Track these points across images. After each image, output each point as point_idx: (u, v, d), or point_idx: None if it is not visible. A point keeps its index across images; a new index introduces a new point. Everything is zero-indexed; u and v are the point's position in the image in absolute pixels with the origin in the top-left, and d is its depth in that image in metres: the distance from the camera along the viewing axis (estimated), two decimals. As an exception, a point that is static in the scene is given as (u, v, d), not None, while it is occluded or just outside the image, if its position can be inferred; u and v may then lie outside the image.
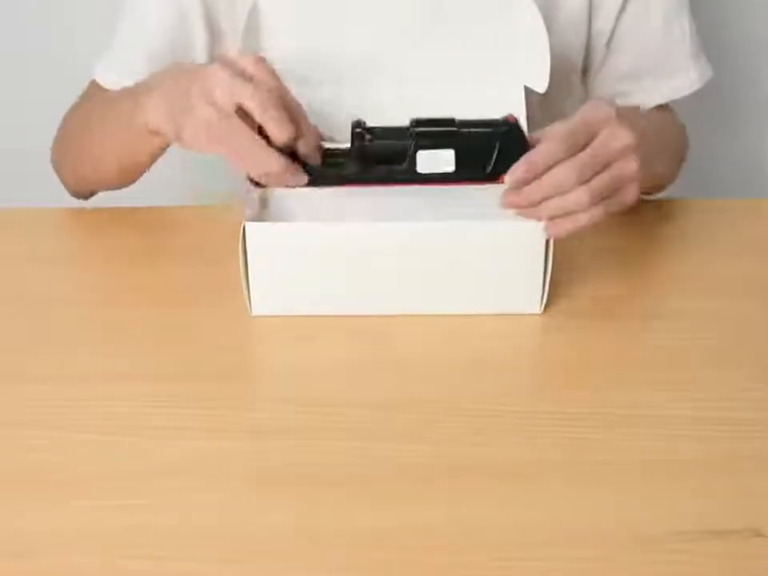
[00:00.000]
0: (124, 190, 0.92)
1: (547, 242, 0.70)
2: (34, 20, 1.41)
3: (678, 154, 0.98)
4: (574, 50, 0.91)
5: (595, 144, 0.68)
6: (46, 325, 0.73)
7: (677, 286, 0.79)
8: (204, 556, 0.53)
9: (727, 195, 0.94)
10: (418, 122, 0.68)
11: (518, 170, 0.67)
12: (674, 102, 0.96)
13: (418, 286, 0.70)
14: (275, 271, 0.72)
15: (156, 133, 0.75)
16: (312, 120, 0.76)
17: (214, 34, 0.92)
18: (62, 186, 0.94)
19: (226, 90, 0.67)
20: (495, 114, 0.79)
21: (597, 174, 0.68)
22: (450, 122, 0.68)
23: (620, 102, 0.95)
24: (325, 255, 0.72)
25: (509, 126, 0.68)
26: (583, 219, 0.68)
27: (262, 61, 0.70)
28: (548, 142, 0.67)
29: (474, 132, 0.69)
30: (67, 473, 0.59)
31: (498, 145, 0.67)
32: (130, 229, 0.88)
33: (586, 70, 0.96)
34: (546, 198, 0.68)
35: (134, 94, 0.78)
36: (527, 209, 0.69)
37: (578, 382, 0.67)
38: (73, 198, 0.93)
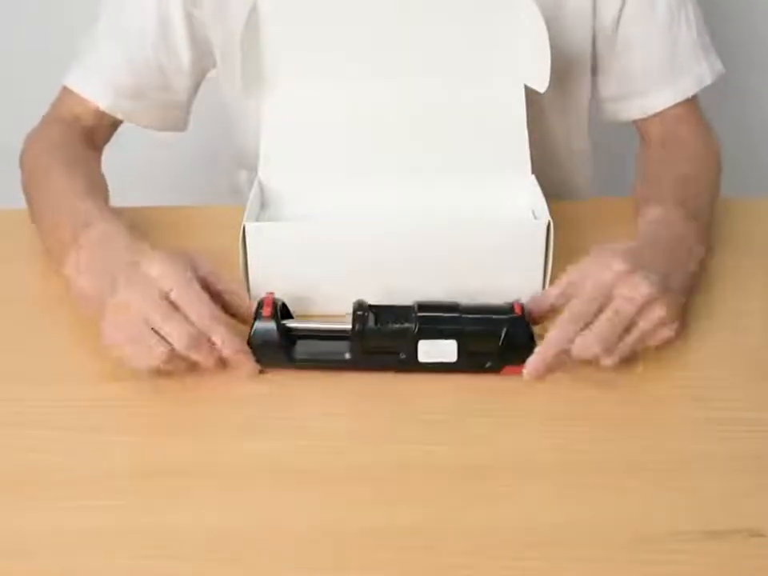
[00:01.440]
0: (124, 190, 0.92)
1: (547, 239, 0.70)
2: (34, 20, 1.41)
3: (712, 173, 0.92)
4: (581, 49, 0.91)
5: (613, 309, 0.64)
6: (46, 325, 0.73)
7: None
8: (204, 555, 0.53)
9: (729, 195, 0.94)
10: (421, 307, 0.66)
11: (535, 366, 0.65)
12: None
13: (418, 284, 0.70)
14: (275, 270, 0.72)
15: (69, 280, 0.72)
16: (312, 120, 0.76)
17: (197, 40, 0.92)
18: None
19: (143, 308, 0.64)
20: (496, 113, 0.79)
21: (620, 338, 0.65)
22: (453, 307, 0.66)
23: (626, 102, 0.95)
24: (324, 254, 0.72)
25: (514, 316, 0.66)
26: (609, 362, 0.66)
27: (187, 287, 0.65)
28: (559, 329, 0.65)
29: (478, 319, 0.66)
30: (67, 473, 0.59)
31: (502, 334, 0.66)
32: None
33: (595, 67, 0.95)
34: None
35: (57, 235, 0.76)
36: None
37: (578, 382, 0.67)
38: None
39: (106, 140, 0.96)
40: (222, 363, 0.66)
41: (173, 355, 0.64)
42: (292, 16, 0.80)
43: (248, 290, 0.73)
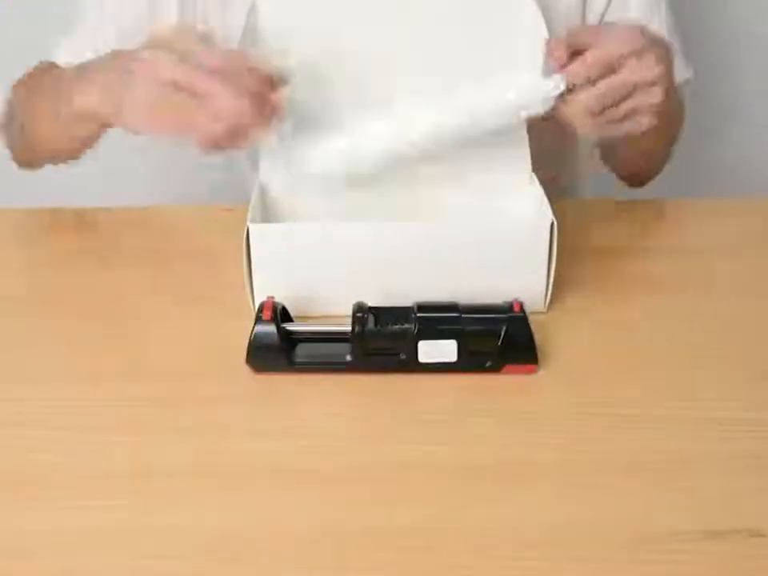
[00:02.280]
0: (124, 190, 0.92)
1: (551, 239, 0.70)
2: (34, 20, 1.41)
3: (676, 126, 0.97)
4: None
5: (622, 71, 0.69)
6: (46, 325, 0.73)
7: (677, 285, 0.79)
8: (204, 556, 0.53)
9: (728, 195, 0.94)
10: (420, 307, 0.66)
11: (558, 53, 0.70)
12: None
13: (421, 285, 0.70)
14: (278, 270, 0.72)
15: (91, 117, 0.74)
16: (313, 120, 0.76)
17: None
18: (57, 184, 0.94)
19: (169, 67, 0.67)
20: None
21: (615, 104, 0.70)
22: (452, 307, 0.67)
23: None
24: (328, 255, 0.72)
25: (514, 315, 0.66)
26: (591, 125, 0.72)
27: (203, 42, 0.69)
28: (581, 64, 0.69)
29: (478, 318, 0.66)
30: (67, 473, 0.59)
31: (502, 333, 0.66)
32: (129, 229, 0.88)
33: None
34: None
35: (63, 82, 0.78)
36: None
37: (579, 382, 0.67)
38: (78, 200, 0.92)
39: None
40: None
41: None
42: (291, 16, 0.80)
43: (251, 290, 0.73)
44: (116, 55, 0.74)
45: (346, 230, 0.72)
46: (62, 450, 0.61)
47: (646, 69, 0.70)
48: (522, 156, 0.79)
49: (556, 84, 0.71)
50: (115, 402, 0.65)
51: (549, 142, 0.95)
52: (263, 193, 0.79)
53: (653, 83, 0.70)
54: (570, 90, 0.70)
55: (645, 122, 0.72)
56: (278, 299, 0.68)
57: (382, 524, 0.55)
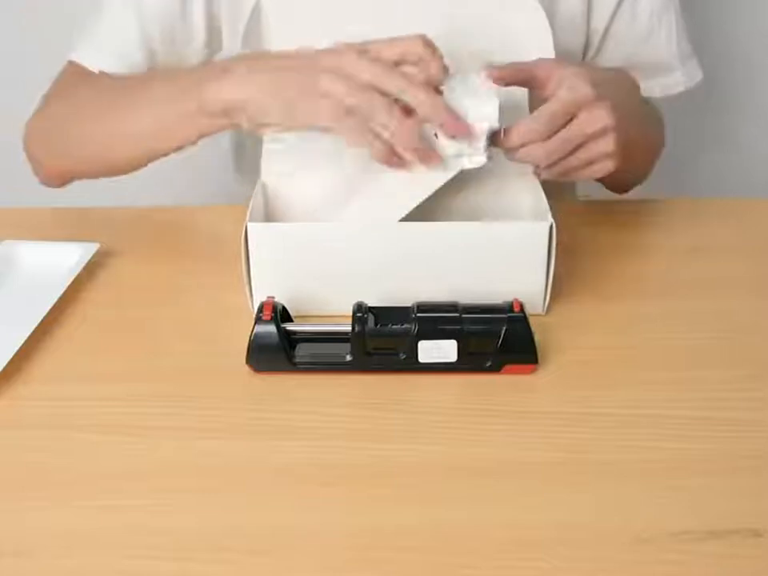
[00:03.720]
0: (124, 190, 0.92)
1: (550, 241, 0.70)
2: (35, 20, 1.41)
3: (658, 123, 0.98)
4: (571, 51, 0.92)
5: (571, 127, 0.70)
6: (45, 325, 0.73)
7: (677, 285, 0.79)
8: (203, 556, 0.53)
9: (728, 195, 0.94)
10: (420, 307, 0.66)
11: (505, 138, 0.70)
12: (669, 102, 0.97)
13: (420, 286, 0.70)
14: (277, 270, 0.72)
15: (225, 114, 0.71)
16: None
17: (213, 28, 0.91)
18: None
19: (357, 67, 0.67)
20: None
21: (565, 157, 0.71)
22: (452, 307, 0.67)
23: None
24: (327, 254, 0.72)
25: (514, 315, 0.66)
26: (543, 172, 0.73)
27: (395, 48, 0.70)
28: (530, 121, 0.70)
29: (478, 318, 0.66)
30: (67, 473, 0.59)
31: (502, 333, 0.66)
32: (129, 229, 0.88)
33: None
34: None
35: (182, 78, 0.76)
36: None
37: (579, 382, 0.67)
38: (78, 200, 0.92)
39: None
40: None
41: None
42: (295, 13, 0.80)
43: (250, 289, 0.73)
44: (260, 55, 0.73)
45: (346, 230, 0.72)
46: (62, 450, 0.61)
47: (598, 120, 0.70)
48: None
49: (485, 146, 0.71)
50: (115, 402, 0.65)
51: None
52: (263, 192, 0.79)
53: (604, 132, 0.71)
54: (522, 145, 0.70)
55: (600, 168, 0.73)
56: (278, 299, 0.68)
57: (382, 524, 0.55)
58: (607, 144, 0.71)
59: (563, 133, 0.70)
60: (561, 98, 0.70)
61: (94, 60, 0.89)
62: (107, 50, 0.89)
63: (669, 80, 0.95)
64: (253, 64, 0.71)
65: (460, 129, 0.69)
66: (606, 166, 0.73)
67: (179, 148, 0.78)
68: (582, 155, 0.71)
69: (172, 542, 0.54)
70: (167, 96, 0.76)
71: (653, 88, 0.95)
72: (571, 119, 0.70)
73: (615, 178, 0.77)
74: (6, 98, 1.40)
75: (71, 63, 0.91)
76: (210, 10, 0.89)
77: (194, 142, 0.77)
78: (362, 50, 0.68)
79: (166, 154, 0.80)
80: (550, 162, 0.71)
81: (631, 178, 0.97)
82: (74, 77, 0.90)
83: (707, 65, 0.97)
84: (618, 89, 0.78)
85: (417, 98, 0.67)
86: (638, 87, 0.92)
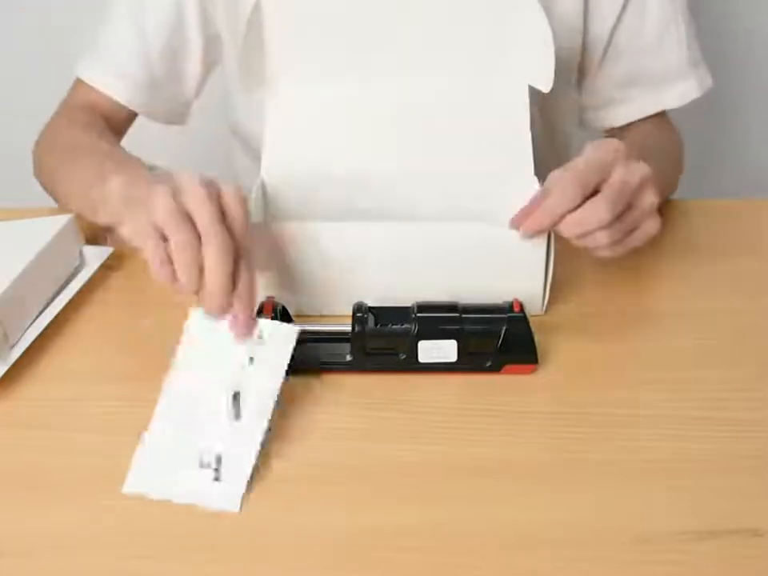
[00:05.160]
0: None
1: (548, 243, 0.70)
2: (34, 20, 1.41)
3: (678, 164, 0.97)
4: (568, 51, 0.91)
5: (614, 182, 0.65)
6: (47, 325, 0.73)
7: (677, 286, 0.79)
8: (203, 556, 0.53)
9: (727, 195, 0.94)
10: (420, 307, 0.66)
11: (533, 224, 0.66)
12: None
13: (419, 286, 0.70)
14: (275, 269, 0.72)
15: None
16: (315, 119, 0.76)
17: (209, 36, 0.93)
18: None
19: (168, 222, 0.60)
20: (500, 113, 0.79)
21: (621, 214, 0.66)
22: (452, 307, 0.67)
23: (613, 109, 0.96)
24: (327, 254, 0.72)
25: (514, 315, 0.66)
26: (604, 253, 0.69)
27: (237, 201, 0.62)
28: (561, 189, 0.65)
29: (478, 318, 0.66)
30: (67, 473, 0.59)
31: (502, 333, 0.66)
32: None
33: (582, 74, 0.96)
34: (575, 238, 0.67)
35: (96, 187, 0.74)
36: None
37: (578, 382, 0.67)
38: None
39: (124, 131, 0.96)
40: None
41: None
42: (295, 14, 0.80)
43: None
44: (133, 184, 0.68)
45: (346, 230, 0.72)
46: (61, 450, 0.61)
47: (636, 172, 0.67)
48: (524, 159, 0.79)
49: None
50: (115, 402, 0.65)
51: (545, 148, 0.95)
52: (263, 189, 0.79)
53: (650, 212, 0.68)
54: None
55: (652, 230, 0.69)
56: (277, 299, 0.68)
57: (382, 524, 0.55)
58: (650, 197, 0.67)
59: (608, 189, 0.65)
60: (588, 156, 0.67)
61: (99, 79, 0.92)
62: (111, 69, 0.92)
63: (683, 87, 0.93)
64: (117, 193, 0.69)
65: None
66: (654, 225, 0.69)
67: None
68: (635, 214, 0.67)
69: (172, 542, 0.54)
70: (85, 195, 0.77)
71: (668, 99, 0.94)
72: (604, 179, 0.66)
73: None
74: (12, 99, 1.40)
75: (79, 82, 0.94)
76: (204, 22, 0.92)
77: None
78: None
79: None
80: (608, 220, 0.65)
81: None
82: (73, 105, 0.93)
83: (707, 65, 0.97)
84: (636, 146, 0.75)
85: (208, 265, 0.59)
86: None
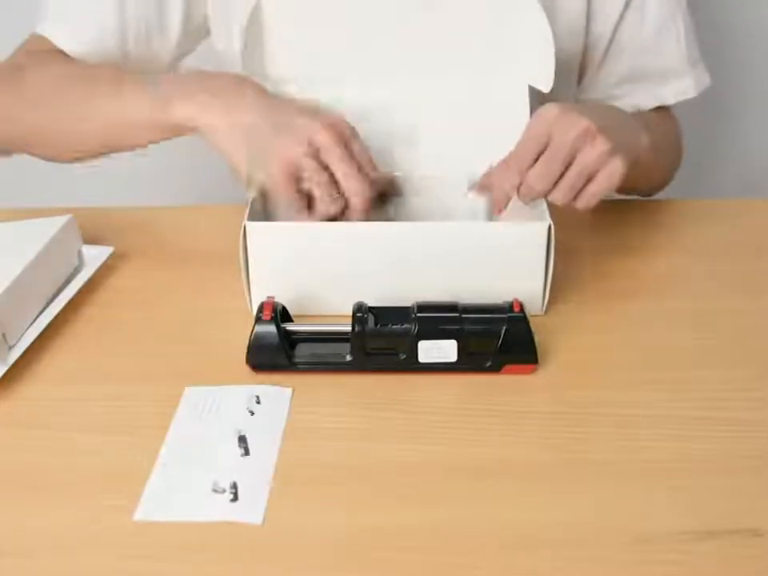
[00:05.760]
0: (124, 191, 0.92)
1: (548, 243, 0.70)
2: (32, 18, 1.41)
3: (675, 147, 0.98)
4: (571, 53, 0.91)
5: (552, 143, 0.69)
6: (47, 325, 0.73)
7: (676, 285, 0.79)
8: (203, 556, 0.53)
9: (727, 195, 0.94)
10: (420, 307, 0.66)
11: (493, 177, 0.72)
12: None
13: (420, 286, 0.70)
14: (275, 269, 0.72)
15: (188, 131, 0.75)
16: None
17: (190, 30, 0.91)
18: (57, 185, 0.93)
19: (326, 139, 0.70)
20: (500, 113, 0.79)
21: (563, 172, 0.70)
22: (452, 307, 0.67)
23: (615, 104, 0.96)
24: (327, 254, 0.72)
25: (514, 315, 0.66)
26: (579, 204, 0.72)
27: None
28: (505, 161, 0.72)
29: (478, 318, 0.66)
30: (67, 473, 0.59)
31: (502, 333, 0.66)
32: (129, 229, 0.88)
33: (582, 72, 0.96)
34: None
35: (150, 89, 0.76)
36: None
37: (578, 382, 0.67)
38: (78, 200, 0.91)
39: None
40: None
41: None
42: (295, 14, 0.80)
43: (248, 288, 0.73)
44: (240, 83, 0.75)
45: (346, 230, 0.72)
46: (61, 450, 0.61)
47: (576, 124, 0.70)
48: None
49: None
50: (115, 402, 0.65)
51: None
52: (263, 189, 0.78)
53: (592, 137, 0.70)
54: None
55: (610, 179, 0.71)
56: (278, 299, 0.68)
57: (382, 524, 0.55)
58: (595, 148, 0.69)
59: (547, 151, 0.70)
60: (527, 129, 0.72)
61: (65, 42, 0.87)
62: (82, 34, 0.87)
63: (681, 85, 0.94)
64: (230, 97, 0.74)
65: None
66: (611, 173, 0.70)
67: (131, 149, 0.81)
68: (577, 168, 0.70)
69: (172, 541, 0.54)
70: (135, 103, 0.77)
71: (666, 96, 0.95)
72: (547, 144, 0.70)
73: (637, 182, 0.77)
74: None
75: (33, 36, 0.89)
76: (189, 12, 0.89)
77: (144, 147, 0.80)
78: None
79: (115, 152, 0.82)
80: (552, 178, 0.70)
81: (653, 182, 0.97)
82: (41, 53, 0.88)
83: (707, 64, 0.97)
84: (605, 111, 0.79)
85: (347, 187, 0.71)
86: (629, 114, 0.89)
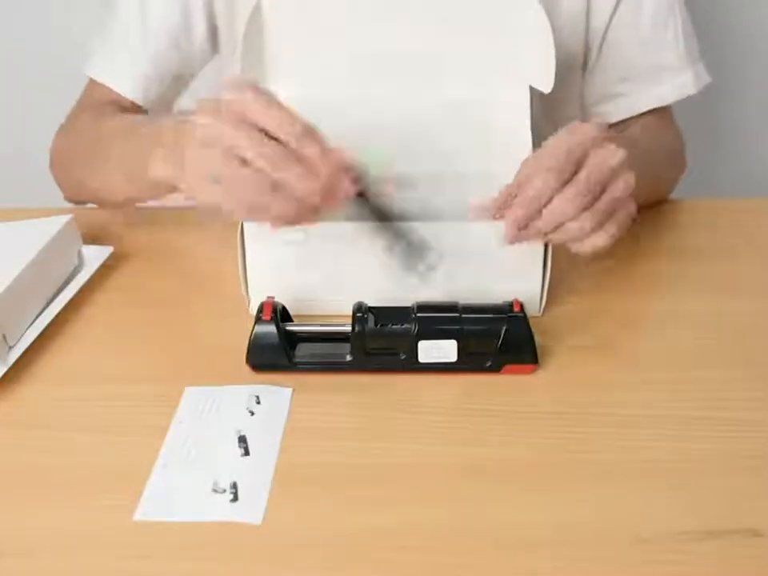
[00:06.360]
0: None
1: (546, 244, 0.70)
2: (35, 23, 1.41)
3: (677, 162, 0.97)
4: (572, 50, 0.91)
5: (589, 167, 0.64)
6: (47, 325, 0.73)
7: (676, 286, 0.79)
8: (203, 556, 0.53)
9: (727, 195, 0.94)
10: (420, 307, 0.66)
11: (516, 212, 0.65)
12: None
13: (420, 286, 0.70)
14: (273, 270, 0.72)
15: (166, 187, 0.73)
16: (314, 121, 0.76)
17: (212, 30, 0.93)
18: (57, 188, 0.94)
19: (235, 136, 0.61)
20: (500, 113, 0.79)
21: (596, 198, 0.65)
22: (452, 307, 0.67)
23: (611, 104, 0.96)
24: (327, 254, 0.72)
25: (514, 315, 0.66)
26: (587, 245, 0.66)
27: (270, 103, 0.63)
28: (539, 175, 0.64)
29: (478, 318, 0.66)
30: (67, 473, 0.59)
31: (502, 333, 0.66)
32: (129, 230, 0.88)
33: (583, 71, 0.96)
34: (548, 231, 0.66)
35: (150, 140, 0.74)
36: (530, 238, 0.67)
37: (578, 382, 0.67)
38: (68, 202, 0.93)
39: None
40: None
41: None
42: (295, 15, 0.80)
43: (246, 288, 0.73)
44: (180, 123, 0.68)
45: (346, 230, 0.72)
46: (61, 450, 0.61)
47: (609, 156, 0.65)
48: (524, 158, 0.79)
49: None
50: (115, 402, 0.65)
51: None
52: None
53: (626, 199, 0.66)
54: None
55: (628, 214, 0.67)
56: (277, 299, 0.68)
57: (382, 524, 0.55)
58: (626, 181, 0.66)
59: (582, 175, 0.64)
60: (562, 141, 0.65)
61: (108, 77, 0.93)
62: (119, 67, 0.92)
63: (679, 81, 0.94)
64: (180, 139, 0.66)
65: None
66: (630, 209, 0.67)
67: (154, 198, 0.82)
68: (611, 195, 0.65)
69: (172, 541, 0.54)
70: (129, 164, 0.78)
71: (665, 94, 0.94)
72: (581, 163, 0.65)
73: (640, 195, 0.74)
74: (12, 100, 1.40)
75: (92, 81, 0.94)
76: (211, 17, 0.92)
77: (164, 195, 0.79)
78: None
79: (146, 200, 0.84)
80: (584, 207, 0.64)
81: (658, 192, 0.94)
82: (92, 101, 0.94)
83: (707, 64, 0.97)
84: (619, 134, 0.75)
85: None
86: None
